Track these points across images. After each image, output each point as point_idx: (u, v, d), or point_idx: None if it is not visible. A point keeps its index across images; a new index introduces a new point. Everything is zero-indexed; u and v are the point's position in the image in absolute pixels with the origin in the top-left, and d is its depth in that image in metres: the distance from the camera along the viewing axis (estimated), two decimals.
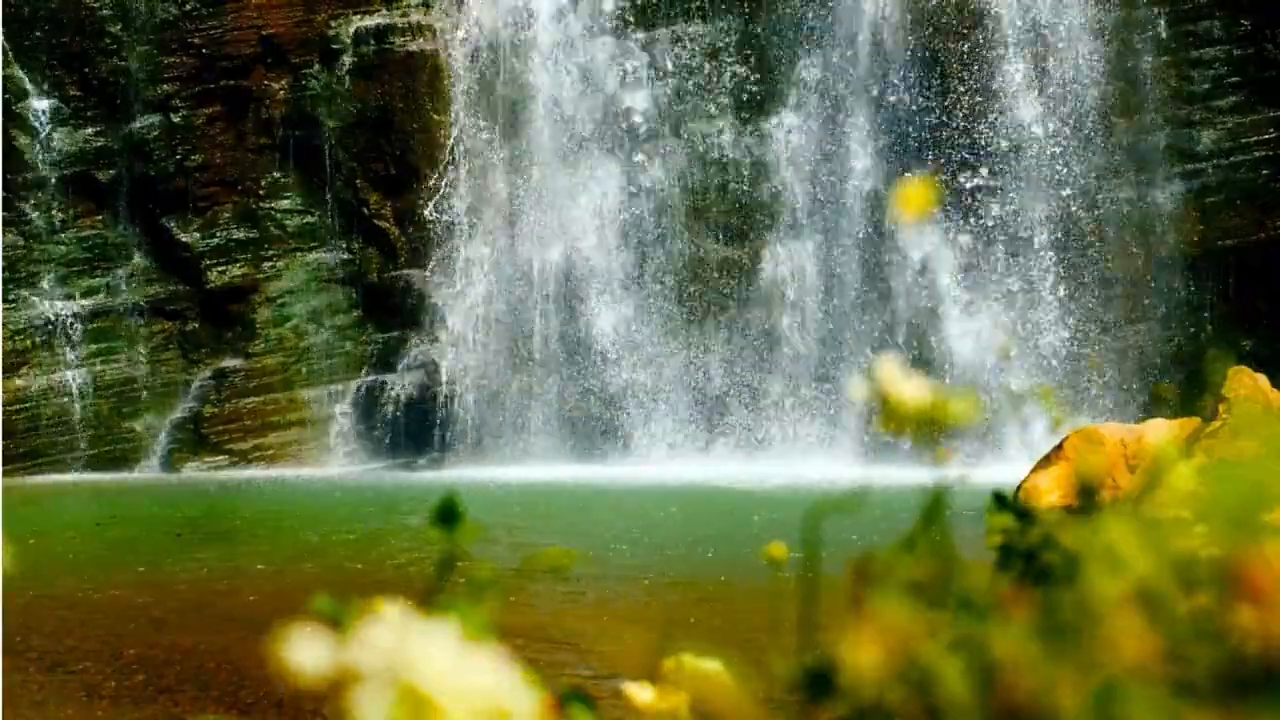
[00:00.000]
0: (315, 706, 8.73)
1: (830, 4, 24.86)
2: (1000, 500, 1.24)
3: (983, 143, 24.21)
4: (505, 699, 0.93)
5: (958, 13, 24.49)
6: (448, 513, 1.17)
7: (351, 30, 25.84)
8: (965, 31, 24.41)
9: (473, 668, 0.93)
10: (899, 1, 24.60)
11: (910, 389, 1.18)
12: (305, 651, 0.94)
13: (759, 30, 25.10)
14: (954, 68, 24.39)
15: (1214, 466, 1.05)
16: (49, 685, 9.75)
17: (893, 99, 24.51)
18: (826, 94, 24.76)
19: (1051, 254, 24.21)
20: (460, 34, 25.75)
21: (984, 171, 24.21)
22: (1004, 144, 24.25)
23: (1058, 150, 24.22)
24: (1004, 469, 17.58)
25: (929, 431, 1.19)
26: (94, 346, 25.71)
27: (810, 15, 24.98)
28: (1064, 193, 24.21)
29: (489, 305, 25.45)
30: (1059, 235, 24.26)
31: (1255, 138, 23.99)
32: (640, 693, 1.27)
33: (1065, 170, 24.23)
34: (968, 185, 24.15)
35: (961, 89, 24.28)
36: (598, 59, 25.59)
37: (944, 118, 24.21)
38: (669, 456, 24.27)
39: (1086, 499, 1.20)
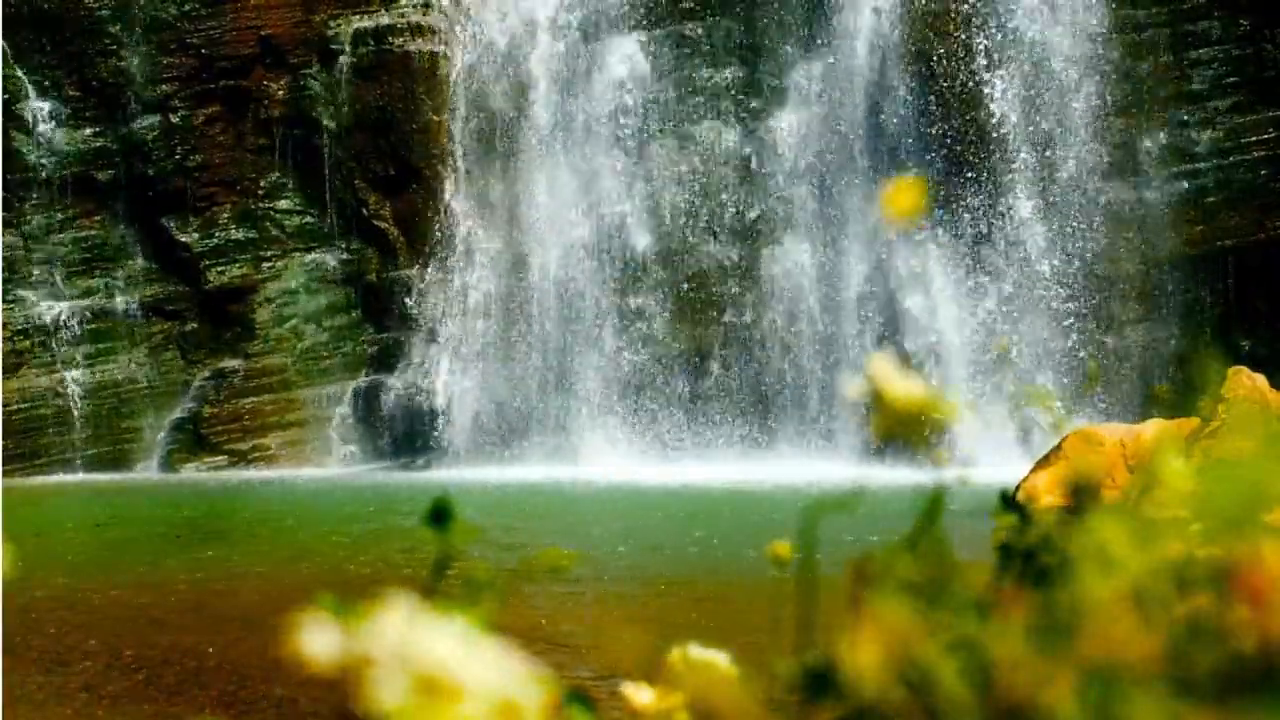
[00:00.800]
0: (315, 708, 8.72)
1: (840, 128, 24.77)
2: (1007, 500, 1.25)
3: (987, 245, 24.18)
4: (514, 687, 0.94)
5: (963, 123, 24.30)
6: (440, 513, 1.17)
7: (350, 31, 25.84)
8: (973, 157, 24.28)
9: (481, 657, 0.94)
10: (912, 122, 24.47)
11: (905, 387, 1.18)
12: (316, 640, 0.94)
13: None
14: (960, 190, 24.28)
15: (1211, 466, 1.05)
16: (49, 685, 9.75)
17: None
18: (825, 225, 24.77)
19: (1051, 252, 24.22)
20: (460, 39, 25.74)
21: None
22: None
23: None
24: (1003, 469, 17.57)
25: (923, 431, 1.19)
26: (93, 347, 25.70)
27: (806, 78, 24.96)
28: (1060, 187, 24.22)
29: (487, 305, 25.44)
30: (1059, 236, 24.27)
31: (1254, 138, 23.98)
32: (638, 693, 1.27)
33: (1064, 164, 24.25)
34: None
35: (967, 217, 24.20)
36: (597, 61, 25.58)
37: (953, 230, 24.11)
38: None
39: (1080, 499, 1.20)
